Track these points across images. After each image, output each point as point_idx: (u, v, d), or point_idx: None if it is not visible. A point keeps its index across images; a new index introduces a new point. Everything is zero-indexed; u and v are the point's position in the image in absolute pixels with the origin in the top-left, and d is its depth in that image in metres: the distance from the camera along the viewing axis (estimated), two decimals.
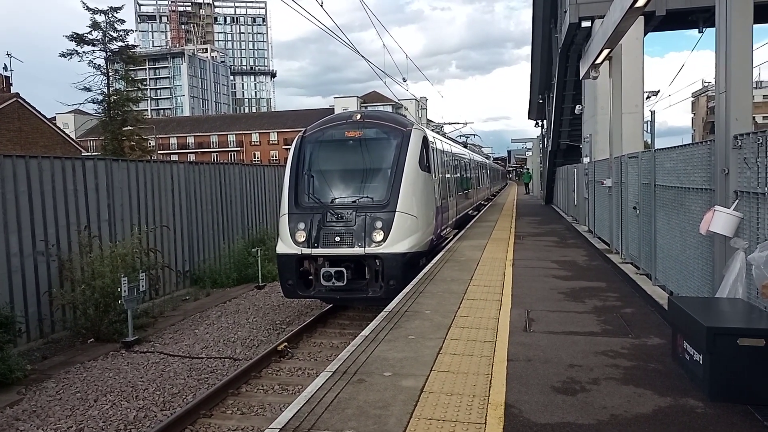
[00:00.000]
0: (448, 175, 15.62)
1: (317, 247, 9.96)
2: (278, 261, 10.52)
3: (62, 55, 38.92)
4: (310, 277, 10.35)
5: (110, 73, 40.23)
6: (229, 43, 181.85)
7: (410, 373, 5.05)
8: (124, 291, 10.05)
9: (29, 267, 10.46)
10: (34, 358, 9.60)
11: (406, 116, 13.90)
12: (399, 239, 9.91)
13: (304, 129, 11.88)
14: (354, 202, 10.38)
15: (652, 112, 8.47)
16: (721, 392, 4.27)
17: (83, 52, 39.22)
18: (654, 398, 4.38)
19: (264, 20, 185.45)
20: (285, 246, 10.28)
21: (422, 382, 4.80)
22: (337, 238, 9.91)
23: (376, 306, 9.90)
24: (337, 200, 10.51)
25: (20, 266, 10.27)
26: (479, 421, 4.04)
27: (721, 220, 5.18)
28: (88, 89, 39.27)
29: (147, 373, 8.81)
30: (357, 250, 9.85)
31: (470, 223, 19.42)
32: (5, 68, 36.87)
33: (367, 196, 10.46)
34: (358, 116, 11.41)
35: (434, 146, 13.14)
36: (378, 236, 9.85)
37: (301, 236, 10.07)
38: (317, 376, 5.17)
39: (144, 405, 7.56)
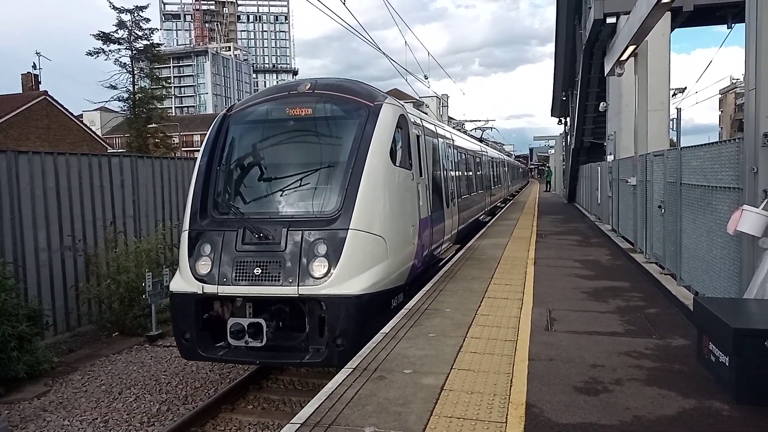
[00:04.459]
0: (448, 173, 12.39)
1: (227, 283, 6.67)
2: (171, 303, 7.23)
3: (89, 53, 39.58)
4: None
5: (135, 71, 40.82)
6: (252, 41, 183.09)
7: (431, 370, 5.04)
8: (149, 286, 10.20)
9: (57, 262, 10.68)
10: (61, 350, 9.80)
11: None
12: (353, 273, 6.59)
13: (230, 105, 8.78)
14: (287, 214, 7.14)
15: (678, 110, 8.39)
16: (747, 395, 4.19)
17: (109, 50, 39.86)
18: (678, 400, 4.32)
19: (286, 18, 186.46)
20: (181, 280, 6.98)
21: (443, 380, 4.79)
22: (258, 270, 6.62)
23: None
24: (262, 211, 7.29)
25: (48, 261, 10.49)
26: (500, 420, 4.02)
27: (749, 220, 5.08)
28: (114, 87, 39.94)
29: (170, 366, 8.94)
30: (286, 290, 6.53)
31: (491, 221, 19.29)
32: (34, 67, 37.61)
33: (308, 205, 7.17)
34: (308, 86, 8.05)
35: (422, 132, 9.79)
36: (320, 268, 6.55)
37: (205, 266, 6.83)
38: (337, 372, 5.19)
39: (167, 398, 7.68)
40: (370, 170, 7.09)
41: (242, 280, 6.65)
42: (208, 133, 8.06)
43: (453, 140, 14.21)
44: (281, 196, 7.34)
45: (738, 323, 4.30)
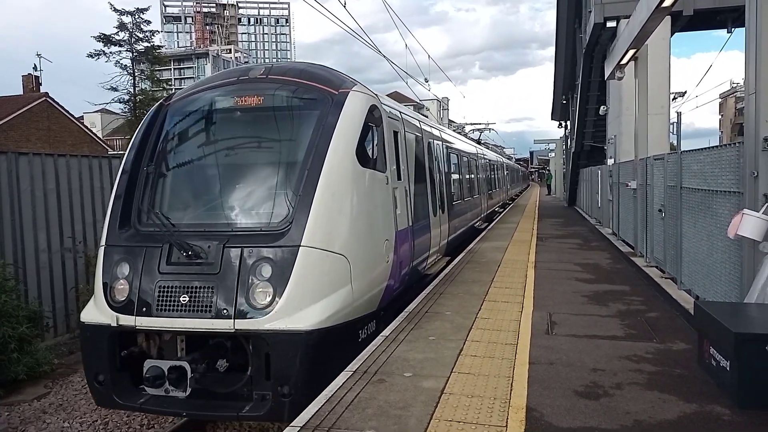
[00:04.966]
0: (436, 176, 10.88)
1: (147, 313, 5.42)
2: (81, 336, 6.07)
3: (90, 55, 39.53)
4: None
5: (136, 74, 40.79)
6: (253, 44, 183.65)
7: (431, 374, 5.04)
8: None
9: (57, 263, 10.66)
10: (61, 352, 9.77)
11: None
12: (304, 302, 5.33)
13: (169, 94, 7.50)
14: (225, 226, 5.86)
15: (679, 114, 8.40)
16: (749, 399, 4.19)
17: (110, 52, 39.72)
18: (679, 404, 4.31)
19: (287, 21, 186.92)
20: (94, 308, 5.76)
21: (443, 384, 4.79)
22: (185, 298, 5.35)
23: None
24: (194, 222, 6.02)
25: (48, 262, 10.47)
26: (500, 424, 4.02)
27: (749, 224, 5.08)
28: (115, 89, 39.78)
29: None
30: (219, 324, 5.26)
31: (491, 225, 19.28)
32: (35, 68, 37.64)
33: (252, 215, 5.94)
34: (262, 71, 6.81)
35: (402, 127, 8.33)
36: (262, 296, 5.29)
37: (123, 291, 5.61)
38: (338, 375, 5.19)
39: None
40: (330, 172, 5.80)
41: (166, 310, 5.36)
42: (139, 126, 6.82)
43: (443, 139, 12.74)
44: (219, 203, 6.12)
45: (739, 328, 4.30)
